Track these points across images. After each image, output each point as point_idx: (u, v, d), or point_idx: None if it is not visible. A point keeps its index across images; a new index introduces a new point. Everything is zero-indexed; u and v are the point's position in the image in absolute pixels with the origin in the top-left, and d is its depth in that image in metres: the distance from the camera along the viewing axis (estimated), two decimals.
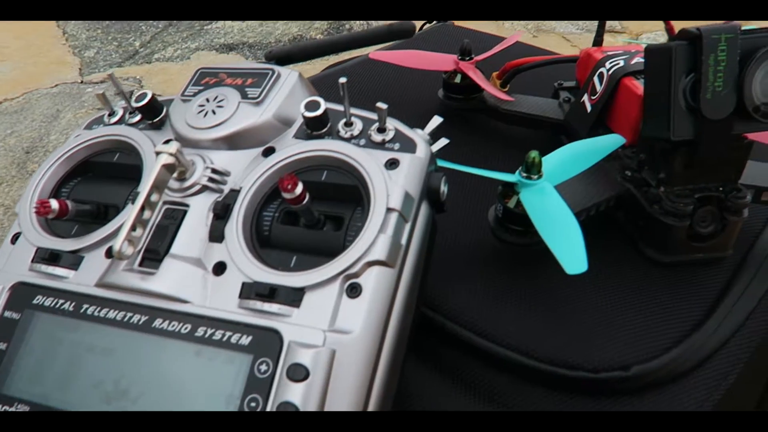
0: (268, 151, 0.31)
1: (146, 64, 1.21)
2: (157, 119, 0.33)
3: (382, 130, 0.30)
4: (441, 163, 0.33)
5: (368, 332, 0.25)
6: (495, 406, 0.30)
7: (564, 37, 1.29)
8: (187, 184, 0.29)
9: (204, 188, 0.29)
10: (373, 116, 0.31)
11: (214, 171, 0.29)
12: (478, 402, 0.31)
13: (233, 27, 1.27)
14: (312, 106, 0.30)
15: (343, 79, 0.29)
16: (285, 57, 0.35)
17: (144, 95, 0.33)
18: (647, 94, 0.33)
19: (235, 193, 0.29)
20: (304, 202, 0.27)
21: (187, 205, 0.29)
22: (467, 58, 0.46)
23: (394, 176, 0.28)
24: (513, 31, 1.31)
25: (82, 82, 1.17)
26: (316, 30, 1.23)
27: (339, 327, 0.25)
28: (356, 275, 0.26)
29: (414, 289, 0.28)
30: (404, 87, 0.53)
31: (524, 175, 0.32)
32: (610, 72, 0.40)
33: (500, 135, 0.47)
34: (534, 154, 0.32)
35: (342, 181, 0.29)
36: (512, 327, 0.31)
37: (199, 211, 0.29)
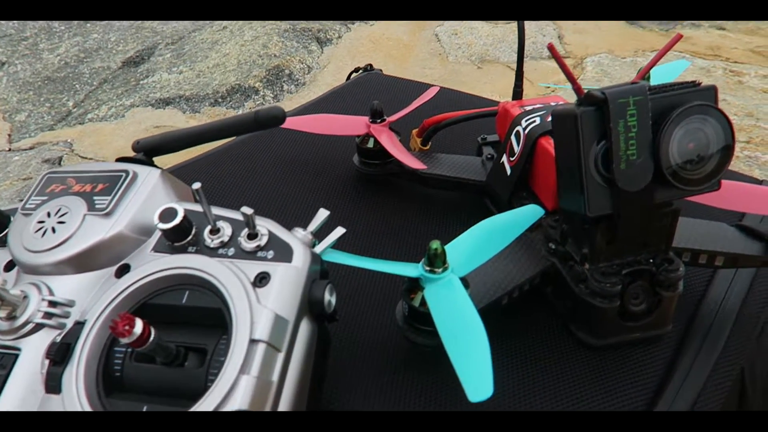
0: (122, 270, 0.26)
1: (79, 125, 1.15)
2: (2, 235, 0.29)
3: (252, 236, 0.26)
4: (333, 257, 0.29)
5: None
6: None
7: (508, 67, 1.27)
8: (18, 323, 0.24)
9: (39, 326, 0.24)
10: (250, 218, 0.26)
11: (51, 303, 0.25)
12: None
13: (170, 80, 1.23)
14: (167, 216, 0.25)
15: (196, 185, 0.25)
16: (154, 148, 0.30)
17: None
18: (558, 164, 0.30)
19: (79, 326, 0.24)
20: (150, 341, 0.22)
21: (18, 349, 0.24)
22: (378, 121, 0.43)
23: (263, 296, 0.24)
24: (457, 65, 1.29)
25: (9, 149, 1.11)
26: (254, 78, 1.19)
27: None
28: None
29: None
30: (318, 152, 0.49)
31: (427, 268, 0.28)
32: (527, 131, 0.36)
33: (421, 200, 0.44)
34: (435, 245, 0.28)
35: (205, 303, 0.24)
36: None
37: (33, 356, 0.24)
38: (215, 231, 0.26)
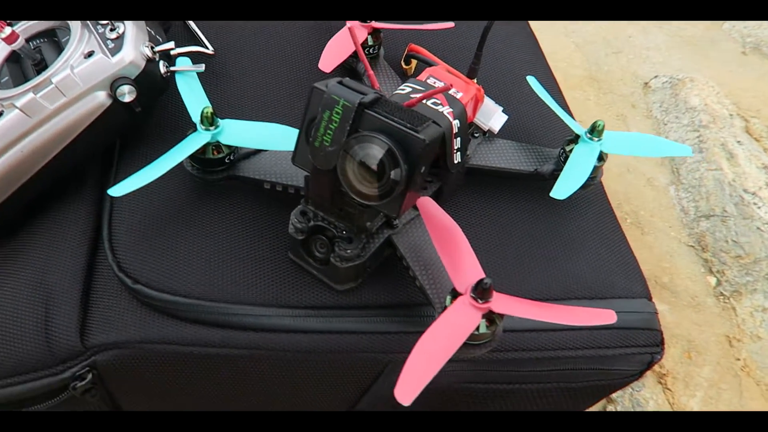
0: None
1: None
2: None
3: (112, 29, 0.38)
4: (180, 77, 0.41)
5: None
6: None
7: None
8: None
9: None
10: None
11: None
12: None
13: None
14: None
15: None
16: None
17: None
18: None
19: None
20: (17, 41, 0.38)
21: None
22: (362, 22, 0.48)
23: (78, 63, 0.37)
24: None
25: None
26: None
27: None
28: (4, 106, 0.37)
29: (51, 145, 0.38)
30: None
31: (202, 125, 0.38)
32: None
33: None
34: (207, 110, 0.38)
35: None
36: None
37: None
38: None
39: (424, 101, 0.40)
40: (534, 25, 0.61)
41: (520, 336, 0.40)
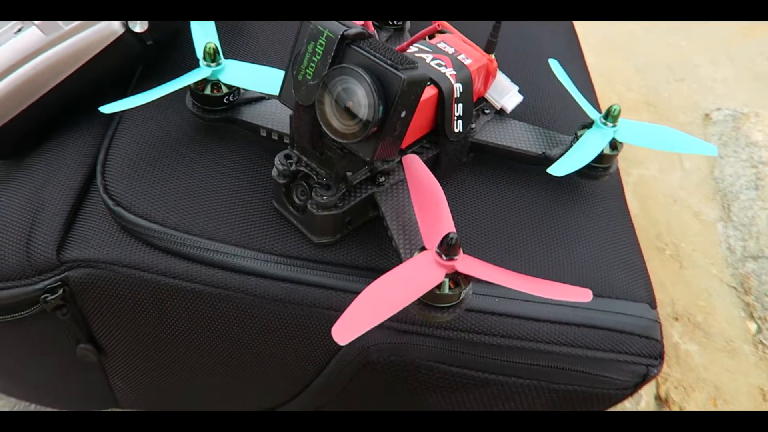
0: None
1: None
2: None
3: None
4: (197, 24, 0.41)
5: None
6: None
7: None
8: None
9: None
10: None
11: None
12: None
13: None
14: None
15: None
16: None
17: None
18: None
19: None
20: None
21: None
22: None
23: None
24: None
25: None
26: None
27: None
28: (24, 23, 0.38)
29: (62, 66, 0.39)
30: None
31: (204, 61, 0.39)
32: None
33: None
34: (211, 45, 0.38)
35: None
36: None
37: None
38: None
39: (426, 61, 0.39)
40: (593, 44, 0.59)
41: (500, 320, 0.38)
